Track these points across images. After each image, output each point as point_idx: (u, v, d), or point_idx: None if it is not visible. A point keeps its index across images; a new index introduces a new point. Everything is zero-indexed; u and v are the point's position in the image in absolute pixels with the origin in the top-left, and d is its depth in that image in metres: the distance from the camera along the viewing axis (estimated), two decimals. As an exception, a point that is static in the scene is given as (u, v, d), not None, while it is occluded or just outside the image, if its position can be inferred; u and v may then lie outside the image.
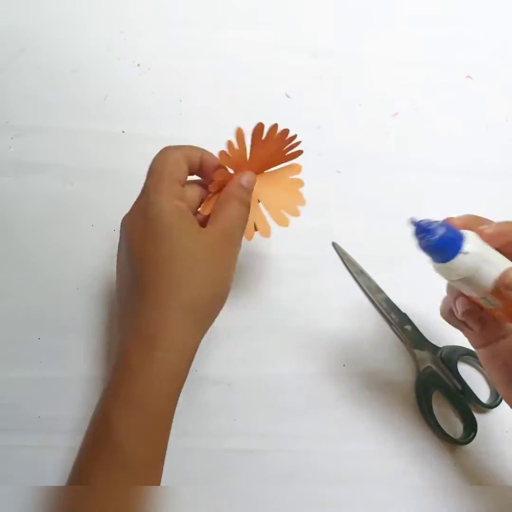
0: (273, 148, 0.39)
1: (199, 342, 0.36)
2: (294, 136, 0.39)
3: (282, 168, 0.41)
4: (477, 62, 0.55)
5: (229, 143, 0.37)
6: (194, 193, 0.38)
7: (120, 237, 0.38)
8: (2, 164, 0.48)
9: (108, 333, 0.45)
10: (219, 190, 0.38)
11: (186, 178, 0.37)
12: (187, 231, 0.35)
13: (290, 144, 0.39)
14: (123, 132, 0.50)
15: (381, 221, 0.50)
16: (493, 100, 0.55)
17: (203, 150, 0.38)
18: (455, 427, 0.45)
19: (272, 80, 0.53)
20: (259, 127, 0.37)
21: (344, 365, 0.46)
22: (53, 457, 0.42)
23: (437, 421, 0.44)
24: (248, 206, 0.38)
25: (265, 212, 0.41)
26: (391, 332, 0.47)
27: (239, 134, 0.37)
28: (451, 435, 0.44)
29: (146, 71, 0.52)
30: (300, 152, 0.40)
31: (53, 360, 0.44)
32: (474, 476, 0.44)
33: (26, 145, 0.49)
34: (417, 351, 0.45)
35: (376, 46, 0.55)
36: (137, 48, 0.52)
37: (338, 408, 0.45)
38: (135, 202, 0.37)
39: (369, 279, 0.48)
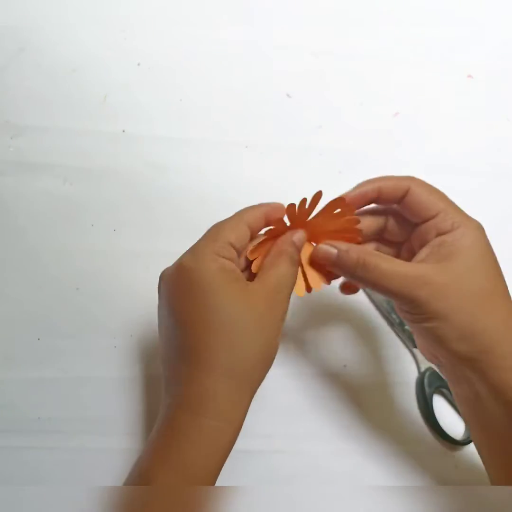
0: (335, 226, 0.38)
1: (246, 408, 0.35)
2: (359, 229, 0.38)
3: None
4: (478, 62, 0.55)
5: (303, 201, 0.36)
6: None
7: (161, 294, 0.36)
8: (1, 164, 0.48)
9: (108, 334, 0.45)
10: (272, 237, 0.37)
11: (246, 241, 0.36)
12: (231, 293, 0.34)
13: (352, 232, 0.38)
14: (123, 132, 0.50)
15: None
16: (493, 100, 0.55)
17: (265, 205, 0.37)
18: (456, 428, 0.45)
19: (272, 80, 0.53)
20: (339, 201, 0.36)
21: (344, 365, 0.46)
22: (53, 457, 0.42)
23: (437, 422, 0.44)
24: (297, 265, 0.37)
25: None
26: (392, 333, 0.47)
27: (317, 197, 0.36)
28: (452, 435, 0.44)
29: (146, 70, 0.52)
30: (358, 241, 0.38)
31: (53, 361, 0.44)
32: (474, 476, 0.44)
33: (25, 145, 0.49)
34: (417, 352, 0.45)
35: (377, 46, 0.55)
36: (137, 48, 0.52)
37: (338, 408, 0.45)
38: (179, 259, 0.35)
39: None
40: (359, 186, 0.37)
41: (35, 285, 0.45)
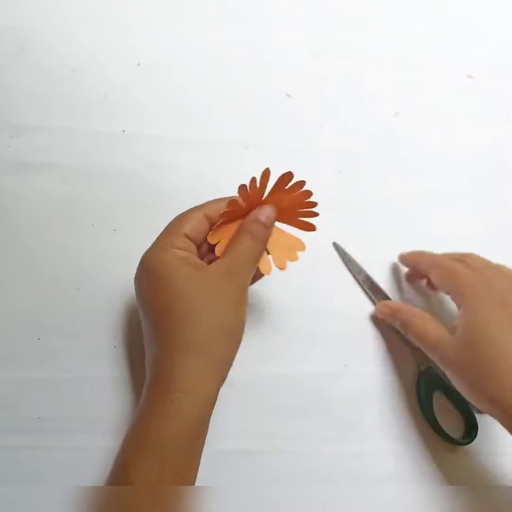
0: (290, 201, 0.39)
1: (216, 383, 0.36)
2: (314, 202, 0.39)
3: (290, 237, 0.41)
4: (478, 62, 0.55)
5: (253, 180, 0.37)
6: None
7: (134, 285, 0.39)
8: (1, 164, 0.48)
9: (108, 334, 0.45)
10: (230, 220, 0.39)
11: (204, 232, 0.38)
12: (184, 273, 0.36)
13: (307, 205, 0.39)
14: (123, 132, 0.50)
15: (382, 221, 0.50)
16: (493, 100, 0.55)
17: (229, 198, 0.38)
18: (456, 427, 0.45)
19: (272, 80, 0.53)
20: (287, 176, 0.37)
21: (345, 365, 0.46)
22: (53, 457, 0.42)
23: (438, 421, 0.44)
24: (262, 241, 0.38)
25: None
26: (392, 333, 0.47)
27: (266, 174, 0.37)
28: (452, 435, 0.44)
29: (146, 70, 0.52)
30: (314, 214, 0.40)
31: (53, 361, 0.44)
32: (475, 476, 0.44)
33: (25, 145, 0.49)
34: (418, 351, 0.45)
35: (377, 45, 0.55)
36: (137, 48, 0.52)
37: (338, 408, 0.45)
38: (142, 256, 0.38)
39: (370, 279, 0.48)
40: (413, 254, 0.47)
41: (35, 285, 0.45)
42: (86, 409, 0.43)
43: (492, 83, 0.55)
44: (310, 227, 0.40)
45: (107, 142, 0.49)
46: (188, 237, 0.38)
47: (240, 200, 0.38)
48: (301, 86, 0.53)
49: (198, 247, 0.39)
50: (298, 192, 0.38)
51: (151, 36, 0.53)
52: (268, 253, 0.40)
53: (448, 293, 0.42)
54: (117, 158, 0.49)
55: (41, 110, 0.50)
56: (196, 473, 0.36)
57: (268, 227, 0.38)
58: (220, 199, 0.39)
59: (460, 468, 0.44)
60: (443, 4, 0.57)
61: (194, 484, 0.36)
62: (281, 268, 0.40)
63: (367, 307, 0.48)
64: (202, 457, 0.40)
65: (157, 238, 0.38)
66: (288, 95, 0.53)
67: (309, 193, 0.39)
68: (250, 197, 0.38)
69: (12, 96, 0.50)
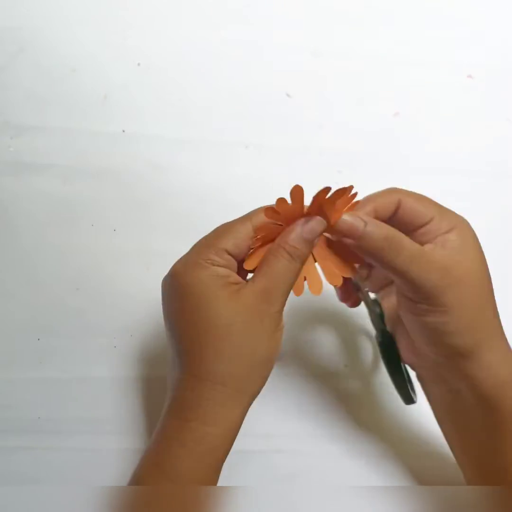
0: (336, 208, 0.33)
1: (240, 414, 0.34)
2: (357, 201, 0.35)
3: None
4: (478, 62, 0.55)
5: (280, 200, 0.32)
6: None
7: (162, 299, 0.36)
8: (1, 164, 0.48)
9: (108, 334, 0.45)
10: (262, 245, 0.35)
11: (248, 243, 0.34)
12: (220, 298, 0.33)
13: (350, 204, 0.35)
14: (123, 132, 0.50)
15: (382, 221, 0.50)
16: (493, 100, 0.55)
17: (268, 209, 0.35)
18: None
19: (272, 80, 0.53)
20: (326, 191, 0.32)
21: (345, 365, 0.46)
22: (53, 457, 0.42)
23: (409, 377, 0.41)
24: (300, 260, 0.34)
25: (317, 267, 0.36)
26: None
27: (297, 191, 0.32)
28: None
29: (146, 70, 0.52)
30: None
31: (53, 361, 0.44)
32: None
33: (25, 145, 0.49)
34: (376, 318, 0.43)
35: (377, 45, 0.55)
36: (137, 48, 0.52)
37: (338, 408, 0.45)
38: (173, 265, 0.35)
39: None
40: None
41: (35, 285, 0.45)
42: (85, 409, 0.43)
43: (492, 83, 0.55)
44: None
45: (107, 142, 0.49)
46: (230, 254, 0.34)
47: (275, 218, 0.33)
48: (301, 86, 0.53)
49: (241, 261, 0.35)
50: (340, 200, 0.33)
51: (151, 36, 0.53)
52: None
53: (425, 222, 0.35)
54: (117, 158, 0.49)
55: (41, 110, 0.50)
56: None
57: (309, 243, 0.34)
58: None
59: (459, 468, 0.44)
60: (443, 4, 0.57)
61: None
62: (336, 284, 0.36)
63: (367, 307, 0.48)
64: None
65: (193, 250, 0.34)
66: (288, 95, 0.53)
67: (354, 195, 0.34)
68: (287, 215, 0.34)
69: (12, 96, 0.50)
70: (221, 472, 0.41)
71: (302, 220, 0.33)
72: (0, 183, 0.48)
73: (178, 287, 0.33)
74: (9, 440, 0.42)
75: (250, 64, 0.53)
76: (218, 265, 0.33)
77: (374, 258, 0.33)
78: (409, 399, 0.41)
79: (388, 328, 0.41)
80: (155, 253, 0.46)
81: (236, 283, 0.34)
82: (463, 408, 0.36)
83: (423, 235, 0.35)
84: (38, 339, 0.44)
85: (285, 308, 0.46)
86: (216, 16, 0.54)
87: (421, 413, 0.45)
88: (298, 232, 0.33)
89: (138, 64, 0.52)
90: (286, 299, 0.34)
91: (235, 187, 0.49)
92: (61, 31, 0.52)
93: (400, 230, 0.34)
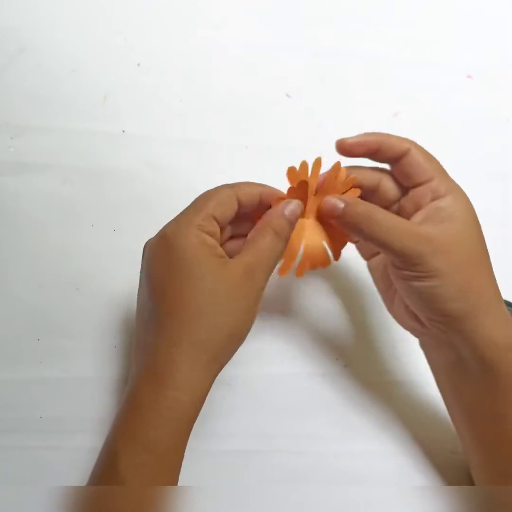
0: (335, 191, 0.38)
1: (211, 382, 0.35)
2: (358, 188, 0.38)
3: None
4: (478, 62, 0.55)
5: (303, 163, 0.36)
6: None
7: (142, 262, 0.36)
8: (1, 164, 0.48)
9: (108, 334, 0.45)
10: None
11: (231, 215, 0.36)
12: (207, 266, 0.34)
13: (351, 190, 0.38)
14: (123, 132, 0.50)
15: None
16: (493, 100, 0.55)
17: (265, 186, 0.37)
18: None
19: (272, 80, 0.53)
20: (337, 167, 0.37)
21: (345, 365, 0.46)
22: (54, 457, 0.42)
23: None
24: (284, 239, 0.36)
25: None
26: (393, 332, 0.47)
27: (318, 163, 0.36)
28: None
29: (146, 71, 0.52)
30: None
31: (53, 361, 0.44)
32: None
33: (25, 145, 0.49)
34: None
35: (377, 45, 0.55)
36: (137, 48, 0.52)
37: (338, 408, 0.45)
38: (163, 228, 0.36)
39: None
40: (360, 135, 0.37)
41: (35, 285, 0.45)
42: (86, 409, 0.43)
43: (492, 83, 0.55)
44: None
45: (107, 142, 0.49)
46: (216, 220, 0.35)
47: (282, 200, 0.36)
48: (301, 86, 0.53)
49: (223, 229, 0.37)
50: (341, 182, 0.37)
51: (150, 36, 0.53)
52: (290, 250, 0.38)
53: (425, 180, 0.37)
54: (117, 158, 0.49)
55: (41, 110, 0.50)
56: (179, 473, 0.35)
57: (292, 224, 0.36)
58: (255, 184, 0.37)
59: (460, 468, 0.44)
60: (443, 4, 0.57)
61: (177, 483, 0.35)
62: (336, 259, 0.39)
63: (368, 306, 0.48)
64: (202, 457, 0.41)
65: (184, 215, 0.35)
66: (288, 95, 0.53)
67: (352, 180, 0.37)
68: (298, 189, 0.36)
69: (12, 96, 0.50)
70: (220, 471, 0.41)
71: (285, 201, 0.36)
72: (0, 183, 0.48)
73: (169, 248, 0.34)
74: (10, 439, 0.42)
75: (249, 64, 0.53)
76: (206, 232, 0.34)
77: (356, 232, 0.36)
78: None
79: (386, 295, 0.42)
80: (155, 253, 0.46)
81: (222, 257, 0.35)
82: (464, 374, 0.37)
83: (419, 196, 0.36)
84: (38, 339, 0.44)
85: (288, 307, 0.46)
86: (216, 16, 0.54)
87: (423, 414, 0.45)
88: (282, 211, 0.36)
89: (138, 64, 0.52)
90: (269, 277, 0.35)
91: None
92: (61, 31, 0.52)
93: (400, 180, 0.38)
